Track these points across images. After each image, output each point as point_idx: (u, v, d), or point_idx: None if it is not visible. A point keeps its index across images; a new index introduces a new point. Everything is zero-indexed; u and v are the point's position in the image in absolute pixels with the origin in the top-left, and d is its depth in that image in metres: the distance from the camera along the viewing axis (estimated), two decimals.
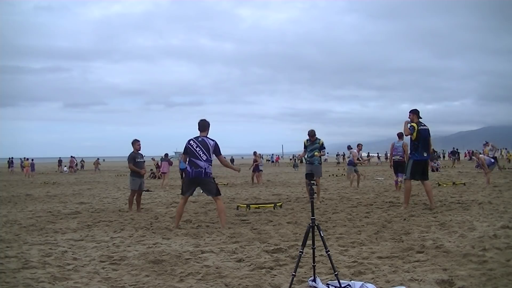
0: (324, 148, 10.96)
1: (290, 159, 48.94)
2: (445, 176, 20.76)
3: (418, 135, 8.92)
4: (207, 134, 7.52)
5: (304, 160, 11.69)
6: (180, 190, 7.90)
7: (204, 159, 7.23)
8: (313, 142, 10.85)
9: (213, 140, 7.40)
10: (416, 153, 9.00)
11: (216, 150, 7.39)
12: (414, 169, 9.02)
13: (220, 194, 7.55)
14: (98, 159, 46.43)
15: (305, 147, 10.98)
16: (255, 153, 20.75)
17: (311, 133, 10.83)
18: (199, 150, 7.25)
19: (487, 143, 19.77)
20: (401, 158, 12.95)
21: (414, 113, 9.18)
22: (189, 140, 7.38)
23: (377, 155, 53.79)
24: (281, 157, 70.81)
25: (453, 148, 43.77)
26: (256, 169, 19.51)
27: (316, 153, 10.73)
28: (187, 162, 7.38)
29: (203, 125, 7.51)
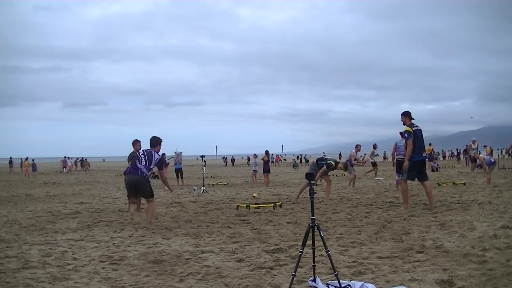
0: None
1: (296, 160, 48.65)
2: (445, 176, 20.76)
3: (414, 136, 8.98)
4: (159, 149, 8.27)
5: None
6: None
7: (143, 164, 7.98)
8: (334, 168, 11.13)
9: (159, 155, 8.23)
10: (413, 154, 8.99)
11: (159, 164, 8.21)
12: (411, 170, 9.02)
13: (153, 196, 8.20)
14: (85, 159, 45.60)
15: (328, 167, 11.03)
16: (267, 152, 18.98)
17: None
18: (142, 157, 8.04)
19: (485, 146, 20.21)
20: (403, 157, 12.97)
21: (406, 115, 9.23)
22: (138, 151, 8.46)
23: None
24: (283, 156, 70.48)
25: (466, 146, 42.89)
26: (266, 169, 18.15)
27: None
28: (129, 166, 8.34)
29: (154, 142, 8.23)
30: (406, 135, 9.02)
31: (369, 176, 20.96)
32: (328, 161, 11.00)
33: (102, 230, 7.46)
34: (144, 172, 7.99)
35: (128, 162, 10.33)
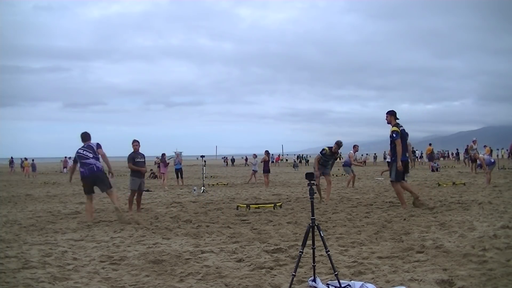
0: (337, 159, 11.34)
1: (296, 160, 48.51)
2: (445, 176, 20.76)
3: (401, 136, 9.01)
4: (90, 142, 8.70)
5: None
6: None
7: (91, 156, 8.43)
8: (333, 153, 11.02)
9: (96, 142, 8.66)
10: (395, 154, 9.05)
11: (98, 146, 8.59)
12: (399, 171, 9.08)
13: (112, 187, 8.65)
14: (66, 157, 44.48)
15: (323, 153, 11.01)
16: (267, 152, 18.94)
17: (341, 145, 11.05)
18: (86, 153, 8.47)
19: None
20: (403, 157, 13.01)
21: (392, 114, 9.23)
22: (78, 150, 8.59)
23: (374, 155, 53.68)
24: (285, 155, 70.24)
25: (467, 146, 42.58)
26: (266, 169, 18.05)
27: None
28: (80, 168, 8.49)
29: (85, 137, 8.69)
30: (394, 135, 9.01)
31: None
32: (322, 149, 11.05)
33: (102, 230, 7.46)
34: (98, 166, 8.48)
35: (129, 163, 10.32)
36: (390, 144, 9.21)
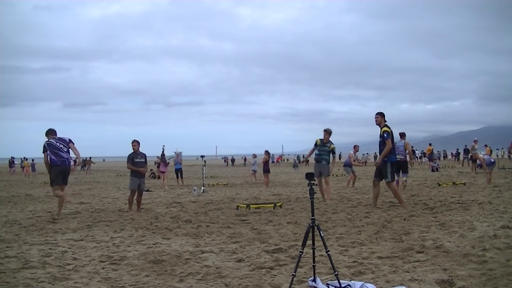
0: (334, 153, 11.08)
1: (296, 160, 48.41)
2: (445, 176, 20.76)
3: (392, 137, 9.21)
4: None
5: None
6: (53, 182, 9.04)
7: (65, 150, 8.97)
8: (324, 144, 10.90)
9: (67, 138, 9.16)
10: (391, 154, 9.22)
11: (70, 141, 9.08)
12: (393, 170, 9.29)
13: (67, 184, 9.31)
14: (90, 158, 44.81)
15: (316, 145, 11.00)
16: (267, 152, 18.90)
17: (329, 132, 10.83)
18: (60, 145, 8.93)
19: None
20: (402, 157, 13.13)
21: (382, 116, 9.41)
22: (49, 140, 8.99)
23: (374, 155, 53.56)
24: (286, 155, 70.11)
25: (465, 146, 42.22)
26: (266, 169, 18.02)
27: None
28: (51, 156, 8.84)
29: (52, 131, 9.17)
30: (385, 135, 9.13)
31: (369, 176, 20.89)
32: (315, 142, 11.01)
33: (102, 230, 7.46)
34: (69, 160, 9.17)
35: (128, 163, 10.37)
36: (380, 145, 9.31)
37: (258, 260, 5.09)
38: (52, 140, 8.97)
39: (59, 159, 8.87)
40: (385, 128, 9.16)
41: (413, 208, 9.11)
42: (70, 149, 9.08)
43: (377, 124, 9.37)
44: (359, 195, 12.38)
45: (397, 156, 13.29)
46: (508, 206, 8.77)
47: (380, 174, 9.40)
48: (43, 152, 9.04)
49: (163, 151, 20.24)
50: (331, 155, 11.07)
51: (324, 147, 10.95)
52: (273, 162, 53.23)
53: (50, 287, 4.29)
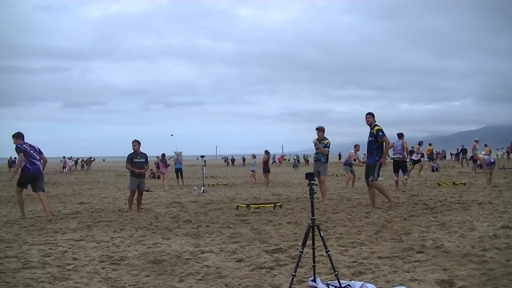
0: (328, 148, 10.94)
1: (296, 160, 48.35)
2: (445, 176, 20.76)
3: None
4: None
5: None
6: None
7: (38, 158, 9.02)
8: (320, 142, 10.87)
9: (37, 147, 9.20)
10: (380, 154, 9.27)
11: (41, 152, 9.17)
12: (379, 170, 9.40)
13: (44, 191, 9.23)
14: (65, 157, 42.44)
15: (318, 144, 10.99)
16: (267, 152, 18.83)
17: (322, 129, 10.78)
18: (33, 153, 8.99)
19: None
20: (400, 156, 13.24)
21: (373, 116, 9.50)
22: (23, 144, 8.97)
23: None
24: (288, 155, 69.89)
25: (462, 146, 41.97)
26: (266, 169, 17.97)
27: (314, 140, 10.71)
28: (27, 165, 8.86)
29: (20, 135, 9.12)
30: (380, 133, 9.21)
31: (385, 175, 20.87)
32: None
33: (102, 230, 7.46)
34: (41, 168, 9.09)
35: (127, 163, 10.36)
36: (369, 144, 9.31)
37: (258, 260, 5.09)
38: (27, 148, 8.95)
39: (33, 167, 8.93)
40: (378, 127, 9.26)
41: (413, 208, 9.10)
42: (41, 159, 9.10)
43: (368, 124, 9.46)
44: (359, 195, 12.38)
45: (396, 156, 13.38)
46: (508, 206, 8.78)
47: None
48: (19, 153, 8.90)
49: (164, 155, 20.24)
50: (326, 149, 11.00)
51: (320, 144, 10.92)
52: (274, 162, 52.60)
53: (50, 287, 4.29)
